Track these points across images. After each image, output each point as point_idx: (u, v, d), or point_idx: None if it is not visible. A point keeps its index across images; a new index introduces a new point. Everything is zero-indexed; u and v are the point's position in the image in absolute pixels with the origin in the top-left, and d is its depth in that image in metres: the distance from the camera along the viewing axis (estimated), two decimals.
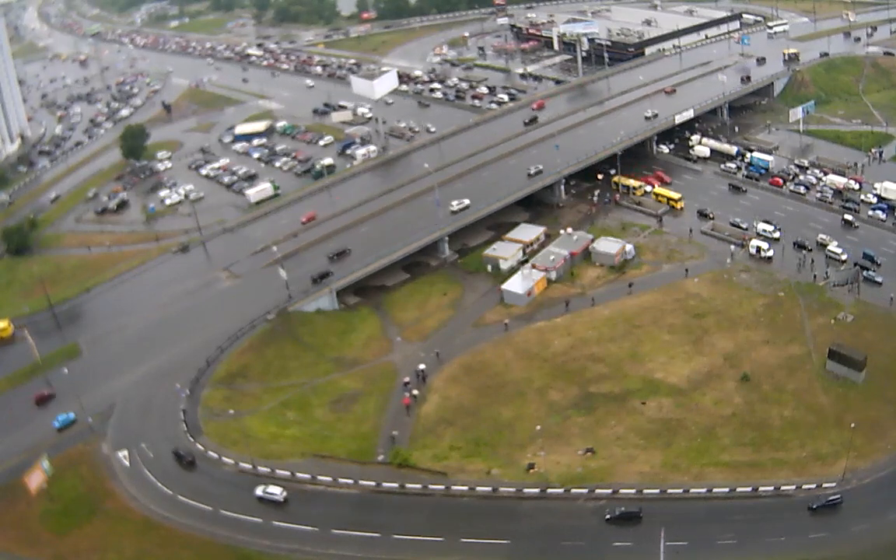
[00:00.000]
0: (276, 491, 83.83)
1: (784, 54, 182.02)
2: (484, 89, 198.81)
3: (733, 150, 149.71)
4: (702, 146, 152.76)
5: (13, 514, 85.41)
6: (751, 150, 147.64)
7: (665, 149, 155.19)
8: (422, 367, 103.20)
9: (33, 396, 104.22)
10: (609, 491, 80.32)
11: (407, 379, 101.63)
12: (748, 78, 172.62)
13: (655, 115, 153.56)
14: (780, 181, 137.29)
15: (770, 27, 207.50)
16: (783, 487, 78.52)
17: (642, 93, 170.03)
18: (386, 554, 76.80)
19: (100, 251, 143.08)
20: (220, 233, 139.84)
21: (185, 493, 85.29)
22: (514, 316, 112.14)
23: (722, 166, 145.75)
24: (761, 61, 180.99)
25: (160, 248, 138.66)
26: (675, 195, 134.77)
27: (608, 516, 77.28)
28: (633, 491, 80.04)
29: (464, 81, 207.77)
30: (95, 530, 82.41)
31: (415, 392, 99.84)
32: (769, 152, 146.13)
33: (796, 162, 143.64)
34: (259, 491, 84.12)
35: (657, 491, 79.82)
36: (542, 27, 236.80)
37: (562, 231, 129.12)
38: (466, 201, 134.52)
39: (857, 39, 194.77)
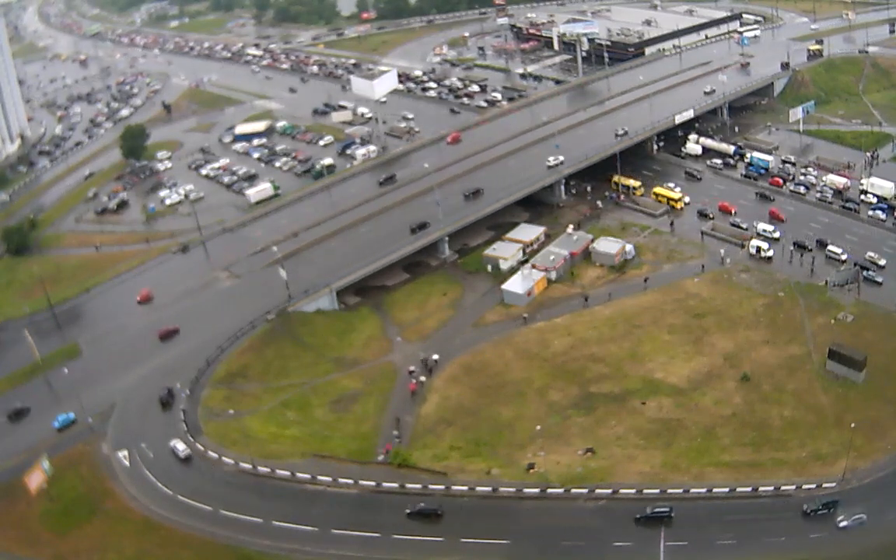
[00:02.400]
0: (180, 447, 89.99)
1: (808, 51, 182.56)
2: (475, 88, 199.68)
3: (730, 149, 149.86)
4: (693, 144, 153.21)
5: (13, 514, 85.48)
6: (739, 147, 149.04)
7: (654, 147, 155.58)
8: (435, 357, 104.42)
9: (158, 332, 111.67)
10: (609, 491, 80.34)
11: (412, 367, 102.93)
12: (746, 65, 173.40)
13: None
14: (780, 181, 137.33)
15: (740, 32, 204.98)
16: (783, 487, 78.51)
17: (642, 92, 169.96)
18: (386, 554, 76.81)
19: (106, 250, 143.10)
20: (219, 233, 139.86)
21: (185, 492, 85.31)
22: (527, 312, 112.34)
23: (708, 162, 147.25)
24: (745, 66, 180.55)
25: (160, 247, 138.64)
26: (676, 195, 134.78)
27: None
28: (633, 491, 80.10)
29: (461, 81, 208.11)
30: (95, 530, 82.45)
31: (422, 378, 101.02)
32: (769, 152, 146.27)
33: (783, 158, 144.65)
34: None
35: (657, 491, 79.86)
36: (542, 27, 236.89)
37: (570, 227, 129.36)
38: (562, 157, 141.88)
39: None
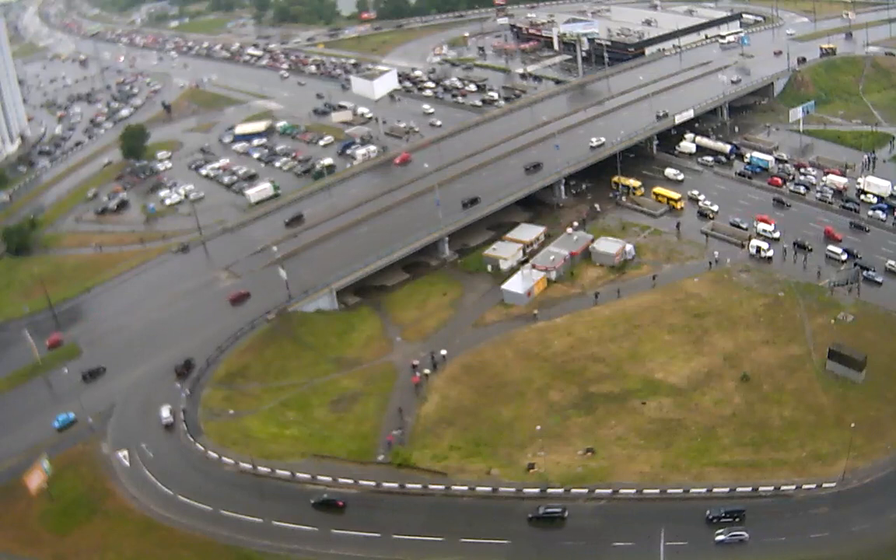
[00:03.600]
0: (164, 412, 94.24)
1: (821, 49, 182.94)
2: (472, 87, 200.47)
3: (727, 148, 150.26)
4: (687, 143, 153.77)
5: (13, 514, 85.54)
6: (735, 146, 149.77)
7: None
8: (443, 352, 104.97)
9: (229, 296, 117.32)
10: (609, 491, 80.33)
11: (416, 361, 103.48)
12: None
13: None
14: (780, 180, 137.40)
15: (723, 37, 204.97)
16: (783, 487, 78.50)
17: (643, 93, 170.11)
18: (386, 554, 76.81)
19: (107, 250, 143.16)
20: (219, 233, 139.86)
21: (185, 493, 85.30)
22: (537, 309, 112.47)
23: (699, 160, 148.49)
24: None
25: (160, 247, 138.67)
26: (675, 195, 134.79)
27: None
28: (633, 491, 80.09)
29: (461, 81, 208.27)
30: (95, 530, 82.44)
31: (426, 371, 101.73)
32: (769, 152, 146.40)
33: (775, 155, 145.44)
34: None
35: (657, 491, 79.85)
36: (542, 27, 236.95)
37: (572, 224, 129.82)
38: (603, 138, 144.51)
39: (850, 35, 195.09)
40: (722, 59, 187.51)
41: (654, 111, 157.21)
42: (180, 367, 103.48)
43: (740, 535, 73.26)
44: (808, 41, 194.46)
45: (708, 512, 75.89)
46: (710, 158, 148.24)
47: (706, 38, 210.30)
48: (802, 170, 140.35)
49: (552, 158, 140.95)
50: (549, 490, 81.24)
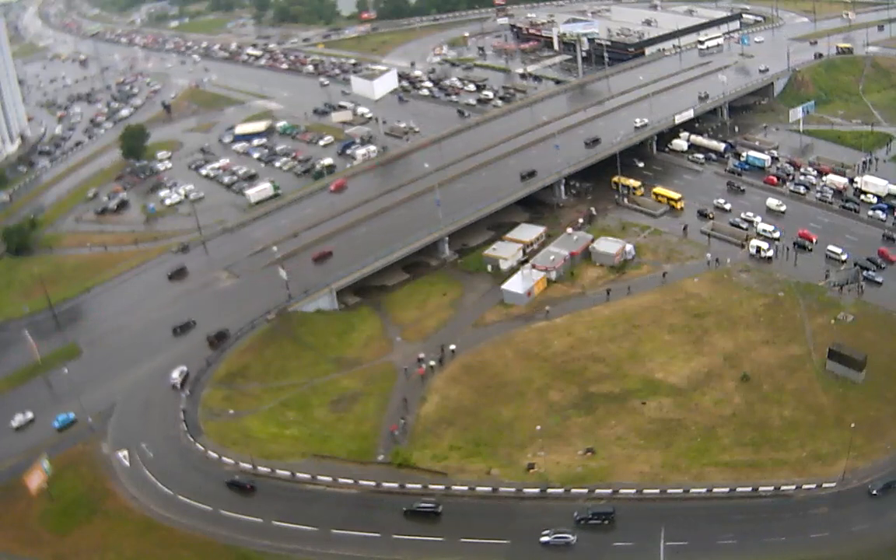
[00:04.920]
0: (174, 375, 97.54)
1: (837, 48, 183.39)
2: (471, 87, 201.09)
3: (721, 146, 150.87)
4: (679, 140, 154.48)
5: (13, 514, 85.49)
6: (730, 144, 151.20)
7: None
8: (452, 347, 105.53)
9: (312, 256, 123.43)
10: (609, 491, 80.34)
11: (421, 354, 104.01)
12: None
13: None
14: (775, 179, 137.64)
15: (701, 42, 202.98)
16: (783, 487, 78.51)
17: (641, 93, 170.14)
18: (386, 554, 76.78)
19: (110, 250, 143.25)
20: (219, 233, 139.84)
21: (185, 493, 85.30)
22: (554, 304, 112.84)
23: (689, 157, 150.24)
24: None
25: (160, 247, 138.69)
26: (675, 195, 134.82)
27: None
28: (633, 491, 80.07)
29: (460, 80, 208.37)
30: (95, 530, 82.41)
31: (431, 363, 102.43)
32: (764, 151, 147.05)
33: (767, 152, 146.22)
34: None
35: (657, 491, 79.85)
36: (542, 27, 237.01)
37: (579, 219, 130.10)
38: (646, 119, 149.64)
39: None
40: (698, 69, 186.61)
41: (633, 120, 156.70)
42: (212, 337, 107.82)
43: (565, 537, 74.42)
44: (803, 41, 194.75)
45: (575, 513, 77.04)
46: (700, 156, 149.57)
47: (674, 47, 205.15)
48: (802, 170, 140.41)
49: (553, 158, 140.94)
50: (549, 490, 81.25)
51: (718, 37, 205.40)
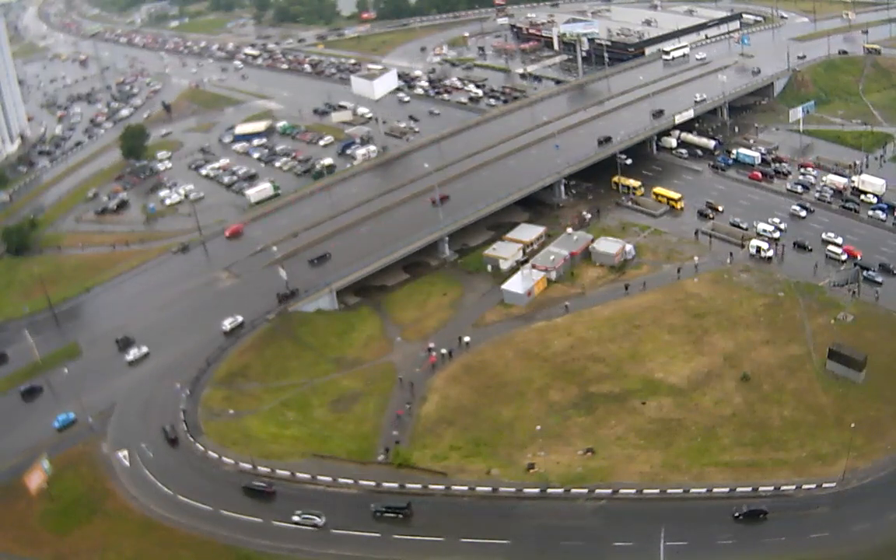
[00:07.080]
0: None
1: (864, 48, 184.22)
2: (472, 87, 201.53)
3: (710, 144, 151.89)
4: (669, 137, 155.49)
5: (13, 514, 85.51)
6: (719, 141, 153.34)
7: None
8: (467, 339, 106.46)
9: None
10: (609, 491, 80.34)
11: (431, 344, 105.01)
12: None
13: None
14: (759, 175, 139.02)
15: (667, 53, 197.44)
16: (783, 487, 78.52)
17: (643, 92, 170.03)
18: (386, 554, 76.80)
19: (102, 250, 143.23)
20: (219, 233, 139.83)
21: (185, 492, 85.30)
22: (571, 299, 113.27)
23: (673, 151, 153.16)
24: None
25: (160, 247, 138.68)
26: (675, 195, 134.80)
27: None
28: (633, 491, 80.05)
29: (460, 80, 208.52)
30: (95, 530, 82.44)
31: (443, 351, 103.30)
32: (752, 147, 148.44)
33: (760, 149, 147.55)
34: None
35: (657, 491, 79.84)
36: (542, 27, 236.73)
37: (583, 215, 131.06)
38: (705, 95, 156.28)
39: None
40: (722, 59, 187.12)
41: (651, 109, 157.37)
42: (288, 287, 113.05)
43: (312, 518, 78.75)
44: (810, 40, 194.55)
45: (372, 505, 79.55)
46: (684, 151, 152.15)
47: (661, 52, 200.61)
48: (780, 161, 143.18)
49: (552, 158, 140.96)
50: (549, 490, 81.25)
51: (684, 46, 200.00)
